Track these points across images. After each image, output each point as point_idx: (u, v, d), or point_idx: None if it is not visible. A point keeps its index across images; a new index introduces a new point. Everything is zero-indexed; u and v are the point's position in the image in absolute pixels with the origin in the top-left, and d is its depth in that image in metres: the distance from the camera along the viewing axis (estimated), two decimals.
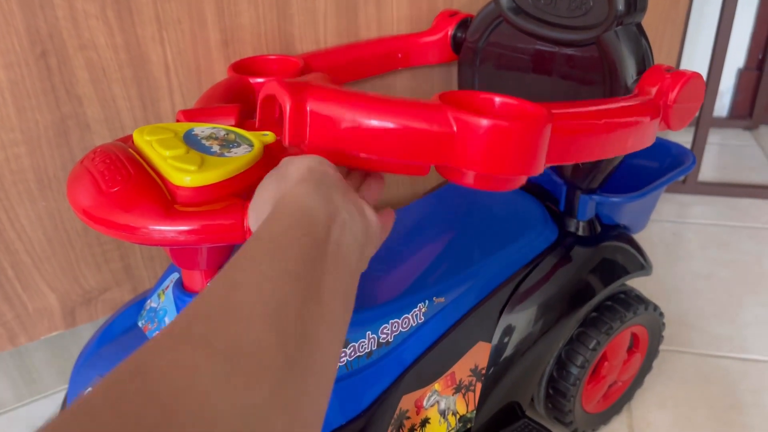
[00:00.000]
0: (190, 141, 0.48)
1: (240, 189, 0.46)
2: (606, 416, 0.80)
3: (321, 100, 0.44)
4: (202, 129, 0.50)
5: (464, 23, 0.80)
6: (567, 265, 0.71)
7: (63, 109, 0.65)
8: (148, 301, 0.64)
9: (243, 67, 0.70)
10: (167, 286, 0.61)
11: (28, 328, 0.74)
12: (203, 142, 0.48)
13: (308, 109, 0.44)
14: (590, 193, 0.72)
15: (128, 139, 0.51)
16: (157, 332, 0.26)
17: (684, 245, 1.15)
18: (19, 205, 0.67)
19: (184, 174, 0.44)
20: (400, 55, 0.80)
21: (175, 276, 0.61)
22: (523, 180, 0.48)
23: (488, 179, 0.46)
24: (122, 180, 0.44)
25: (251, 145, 0.49)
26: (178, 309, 0.56)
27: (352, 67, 0.77)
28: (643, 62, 0.63)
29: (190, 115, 0.55)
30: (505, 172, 0.45)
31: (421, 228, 0.75)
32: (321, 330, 0.31)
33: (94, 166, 0.46)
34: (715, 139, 1.50)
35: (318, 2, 0.74)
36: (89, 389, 0.24)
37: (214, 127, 0.51)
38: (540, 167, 0.46)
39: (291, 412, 0.26)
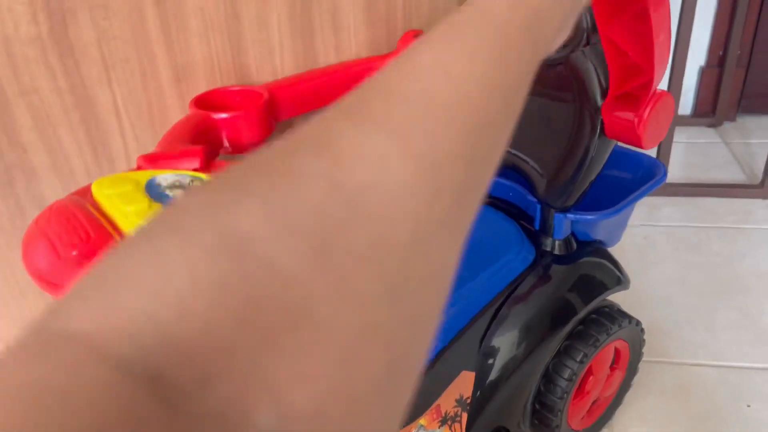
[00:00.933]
0: (153, 192, 0.45)
1: None
2: None
3: None
4: (164, 177, 0.47)
5: None
6: (545, 286, 0.71)
7: (7, 159, 0.62)
8: None
9: (204, 102, 0.67)
10: None
11: None
12: (167, 192, 0.45)
13: None
14: (565, 211, 0.71)
15: (87, 192, 0.48)
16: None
17: (655, 249, 1.15)
18: None
19: None
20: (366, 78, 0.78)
21: None
22: None
23: None
24: (80, 242, 0.41)
25: None
26: None
27: (318, 94, 0.74)
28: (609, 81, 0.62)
29: (151, 160, 0.52)
30: None
31: None
32: (503, 138, 0.26)
33: (49, 227, 0.43)
34: (680, 137, 1.51)
35: (272, 32, 0.72)
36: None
37: (178, 174, 0.48)
38: None
39: (456, 234, 0.22)
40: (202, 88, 0.70)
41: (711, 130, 1.56)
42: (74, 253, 0.41)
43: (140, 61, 0.65)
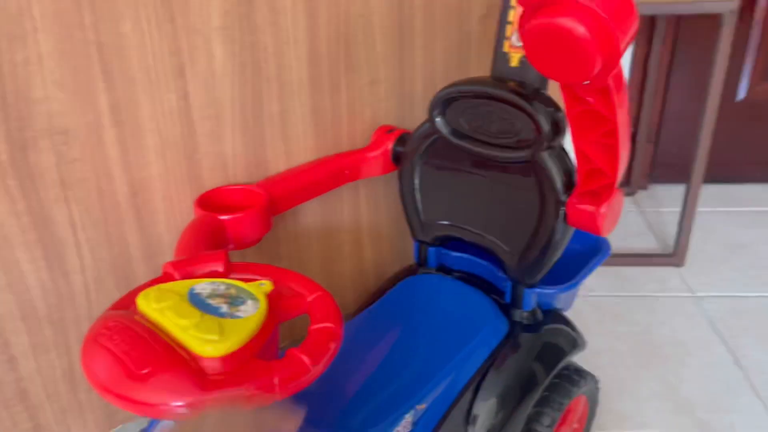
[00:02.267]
0: (197, 302, 0.50)
1: (258, 349, 0.49)
2: None
3: None
4: (202, 287, 0.52)
5: (402, 138, 0.86)
6: (519, 354, 0.78)
7: None
8: None
9: (209, 202, 0.73)
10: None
11: None
12: (209, 302, 0.50)
13: None
14: (532, 287, 0.79)
15: (127, 304, 0.52)
16: None
17: (583, 320, 1.22)
18: None
19: (207, 344, 0.46)
20: (347, 171, 0.85)
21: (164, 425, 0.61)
22: None
23: None
24: (151, 359, 0.45)
25: (255, 299, 0.52)
26: None
27: (308, 188, 0.82)
28: (571, 179, 0.71)
29: (178, 267, 0.57)
30: None
31: (383, 337, 0.78)
32: None
33: (114, 345, 0.47)
34: None
35: (226, 146, 0.75)
36: None
37: (212, 283, 0.53)
38: None
39: None
40: (156, 200, 0.72)
41: (628, 199, 1.69)
42: (147, 371, 0.45)
43: (98, 180, 0.67)
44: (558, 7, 0.52)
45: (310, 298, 0.56)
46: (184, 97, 0.70)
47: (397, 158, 0.87)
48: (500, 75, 0.73)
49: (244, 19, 0.71)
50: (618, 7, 0.52)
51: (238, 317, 0.49)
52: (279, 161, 0.81)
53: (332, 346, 0.52)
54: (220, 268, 0.58)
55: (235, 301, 0.51)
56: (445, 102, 0.77)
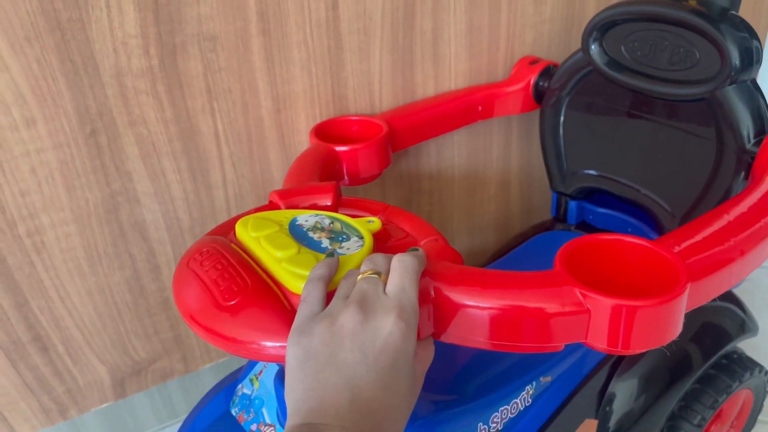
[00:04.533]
0: (297, 234, 0.46)
1: None
2: None
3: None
4: (305, 218, 0.48)
5: (547, 71, 0.76)
6: None
7: (113, 186, 0.63)
8: (239, 386, 0.60)
9: (325, 132, 0.68)
10: (260, 372, 0.58)
11: (79, 401, 0.72)
12: (310, 234, 0.46)
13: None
14: None
15: (228, 230, 0.49)
16: None
17: (763, 292, 1.07)
18: (69, 282, 0.65)
19: (300, 280, 0.41)
20: (480, 107, 0.76)
21: None
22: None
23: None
24: (239, 291, 0.42)
25: (360, 236, 0.46)
26: (280, 403, 0.52)
27: (435, 124, 0.74)
28: (762, 122, 0.59)
29: (284, 196, 0.53)
30: (640, 348, 0.40)
31: None
32: None
33: (203, 272, 0.44)
34: None
35: (373, 63, 0.70)
36: None
37: (317, 215, 0.49)
38: (679, 329, 0.41)
39: None
40: (300, 118, 0.69)
41: None
42: (233, 302, 0.41)
43: (242, 92, 0.65)
44: None
45: (422, 243, 0.48)
46: (333, 6, 0.65)
47: (539, 95, 0.76)
48: None
49: None
50: None
51: (339, 254, 0.44)
52: (427, 84, 0.75)
53: None
54: (328, 202, 0.53)
55: (338, 236, 0.46)
56: (604, 27, 0.65)
